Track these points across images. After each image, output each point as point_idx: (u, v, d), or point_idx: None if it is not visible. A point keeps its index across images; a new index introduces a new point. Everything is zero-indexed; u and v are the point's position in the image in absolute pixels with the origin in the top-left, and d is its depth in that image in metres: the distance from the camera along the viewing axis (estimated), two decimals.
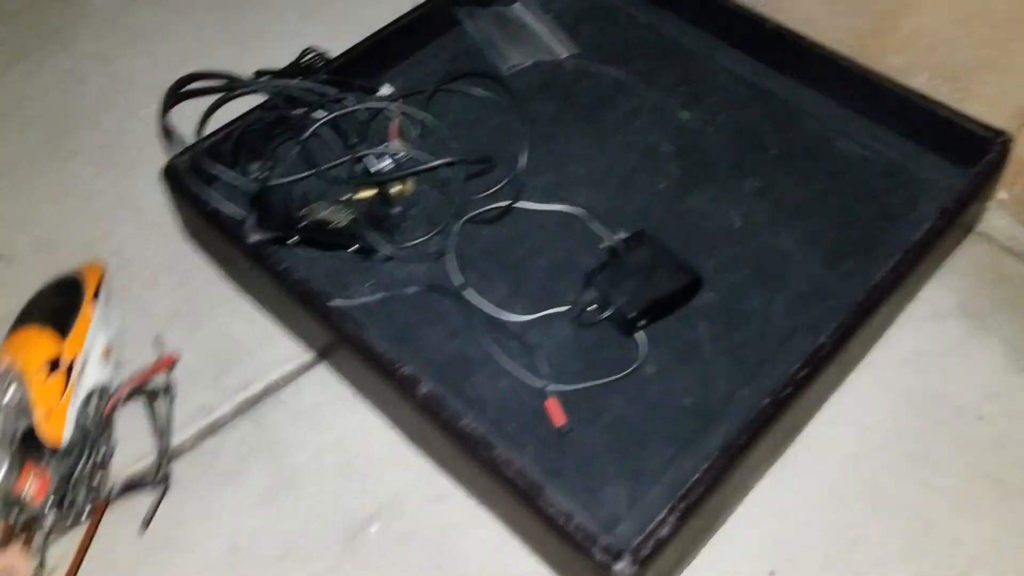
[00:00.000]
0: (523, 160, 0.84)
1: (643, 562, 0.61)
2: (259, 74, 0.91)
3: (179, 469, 0.76)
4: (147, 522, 0.65)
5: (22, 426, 0.62)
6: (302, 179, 0.83)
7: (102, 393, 0.69)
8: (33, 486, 0.60)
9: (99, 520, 0.64)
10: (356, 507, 0.77)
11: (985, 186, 0.83)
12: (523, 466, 0.67)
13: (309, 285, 0.77)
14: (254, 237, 0.78)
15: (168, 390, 0.74)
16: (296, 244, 0.79)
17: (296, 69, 0.93)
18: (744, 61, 0.96)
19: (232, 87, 0.90)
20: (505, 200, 0.84)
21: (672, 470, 0.69)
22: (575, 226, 0.84)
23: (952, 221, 0.79)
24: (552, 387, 0.73)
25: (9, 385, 0.62)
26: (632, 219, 0.83)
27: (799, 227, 0.83)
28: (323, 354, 0.83)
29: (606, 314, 0.75)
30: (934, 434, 0.79)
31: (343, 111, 0.85)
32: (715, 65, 0.96)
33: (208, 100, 0.90)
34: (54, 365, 0.66)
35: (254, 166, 0.82)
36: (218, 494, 0.77)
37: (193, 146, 0.85)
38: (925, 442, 0.78)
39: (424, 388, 0.70)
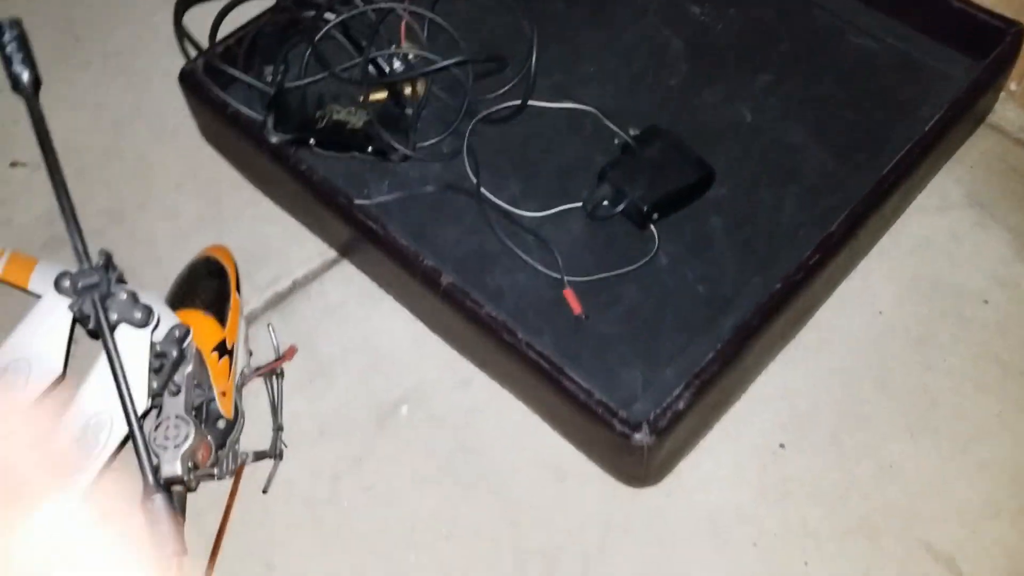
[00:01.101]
0: (533, 58, 0.84)
1: (660, 432, 0.64)
2: None
3: None
4: (267, 486, 0.76)
5: (198, 400, 0.72)
6: (316, 81, 0.84)
7: (243, 375, 0.79)
8: (203, 450, 0.70)
9: (239, 479, 0.76)
10: (385, 392, 0.81)
11: (996, 78, 0.84)
12: (544, 349, 0.70)
13: (330, 185, 0.78)
14: (274, 138, 0.79)
15: (281, 374, 0.81)
16: (315, 145, 0.80)
17: None
18: None
19: None
20: (516, 99, 0.85)
21: (685, 354, 0.71)
22: (587, 124, 0.84)
23: (962, 113, 0.80)
24: (569, 278, 0.75)
25: (190, 359, 0.71)
26: (644, 116, 0.84)
27: (810, 121, 0.84)
28: (345, 252, 0.85)
29: (620, 207, 0.77)
30: (940, 319, 0.81)
31: (352, 12, 0.85)
32: None
33: (219, 4, 0.89)
34: (220, 349, 0.74)
35: (268, 69, 0.83)
36: (257, 383, 0.81)
37: (208, 50, 0.85)
38: (931, 326, 0.81)
39: (446, 279, 0.72)
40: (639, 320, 0.74)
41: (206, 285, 0.78)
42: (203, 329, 0.74)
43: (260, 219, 0.91)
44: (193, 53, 0.89)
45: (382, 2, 0.87)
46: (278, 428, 0.78)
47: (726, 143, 0.83)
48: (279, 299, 0.87)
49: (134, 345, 0.66)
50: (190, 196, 0.93)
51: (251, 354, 0.82)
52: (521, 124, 0.85)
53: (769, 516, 0.73)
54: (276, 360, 0.81)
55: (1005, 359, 0.79)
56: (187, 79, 0.85)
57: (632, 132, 0.81)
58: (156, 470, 0.65)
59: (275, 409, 0.79)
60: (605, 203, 0.78)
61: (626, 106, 0.85)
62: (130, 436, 0.64)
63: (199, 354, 0.73)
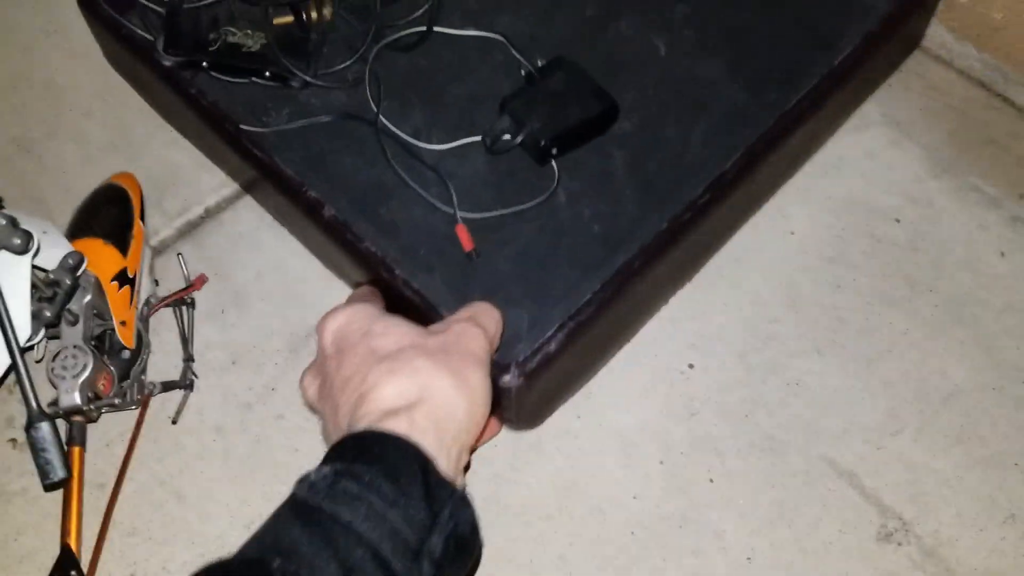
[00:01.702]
0: None
1: (529, 375, 0.64)
2: None
3: None
4: (177, 417, 0.76)
5: (97, 329, 0.71)
6: (215, 3, 0.81)
7: (147, 303, 0.78)
8: (104, 380, 0.70)
9: (146, 410, 0.76)
10: (300, 320, 0.81)
11: (917, 10, 0.80)
12: (428, 287, 0.69)
13: (221, 110, 0.76)
14: (165, 61, 0.77)
15: (192, 303, 0.80)
16: (208, 69, 0.78)
17: None
18: None
19: None
20: (424, 26, 0.82)
21: (572, 294, 0.70)
22: (496, 53, 0.82)
23: (878, 47, 0.77)
24: (464, 215, 0.74)
25: (88, 288, 0.70)
26: (556, 46, 0.81)
27: (725, 54, 0.81)
28: (239, 182, 0.83)
29: (518, 140, 0.75)
30: (852, 238, 0.81)
31: None
32: None
33: None
34: (121, 278, 0.74)
35: None
36: (166, 313, 0.81)
37: None
38: (842, 245, 0.81)
39: (328, 211, 0.70)
40: (532, 259, 0.72)
41: (107, 213, 0.78)
42: (102, 258, 0.74)
43: (171, 146, 0.90)
44: None
45: None
46: (188, 359, 0.78)
47: (637, 76, 0.80)
48: (191, 228, 0.86)
49: (13, 272, 0.66)
50: (100, 123, 0.91)
51: (157, 283, 0.81)
52: (428, 52, 0.82)
53: (676, 433, 0.74)
54: (183, 289, 0.80)
55: (915, 277, 0.79)
56: (86, 3, 0.82)
57: (539, 63, 0.79)
58: (53, 401, 0.67)
59: (185, 339, 0.79)
60: (505, 137, 0.76)
61: (538, 35, 0.83)
62: (12, 365, 0.64)
63: (98, 283, 0.72)
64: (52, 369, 0.68)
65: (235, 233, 0.85)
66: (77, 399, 0.67)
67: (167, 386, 0.76)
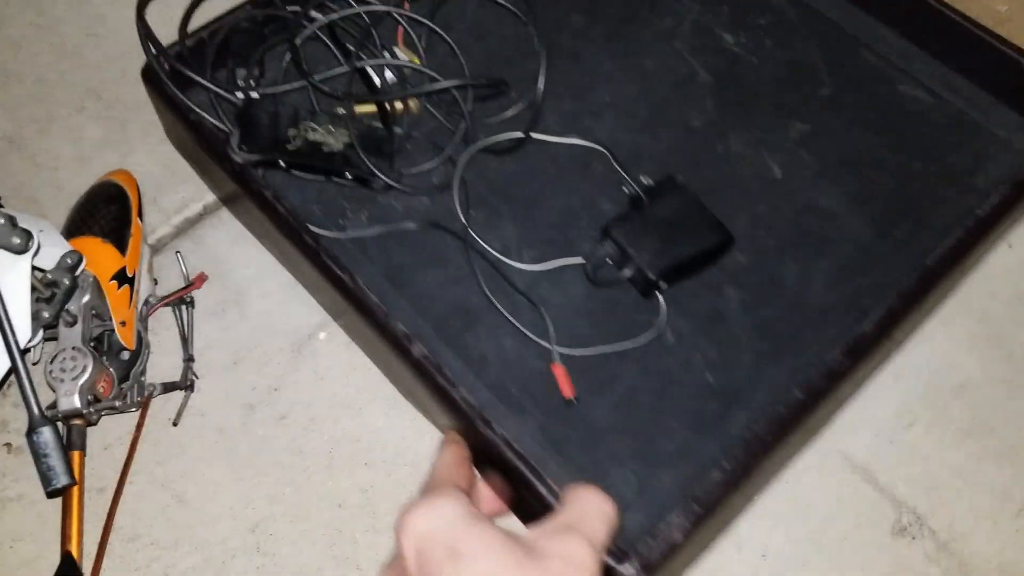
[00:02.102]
0: (540, 86, 0.74)
1: (651, 568, 0.56)
2: None
3: None
4: (177, 418, 0.74)
5: (97, 330, 0.70)
6: (294, 90, 0.74)
7: (146, 303, 0.75)
8: (104, 383, 0.68)
9: (146, 412, 0.73)
10: (303, 318, 0.78)
11: None
12: (523, 440, 0.61)
13: (294, 212, 0.68)
14: (239, 157, 0.69)
15: (192, 303, 0.78)
16: (287, 168, 0.70)
17: None
18: None
19: None
20: (518, 126, 0.75)
21: (687, 456, 0.62)
22: (596, 164, 0.74)
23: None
24: (561, 350, 0.66)
25: (86, 288, 0.68)
26: (660, 160, 0.75)
27: (847, 183, 0.74)
28: (307, 286, 0.76)
29: (625, 273, 0.67)
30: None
31: (343, 13, 0.75)
32: None
33: None
34: (120, 278, 0.72)
35: (241, 73, 0.72)
36: (166, 312, 0.78)
37: (174, 45, 0.74)
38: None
39: (418, 350, 0.62)
40: (637, 408, 0.65)
41: (105, 211, 0.74)
42: (101, 257, 0.71)
43: (167, 142, 0.85)
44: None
45: (376, 4, 0.76)
46: (188, 359, 0.75)
47: (750, 201, 0.73)
48: (189, 225, 0.83)
49: (13, 272, 0.63)
50: (94, 119, 0.88)
51: (156, 282, 0.78)
52: (521, 158, 0.75)
53: None
54: (183, 288, 0.77)
55: None
56: (149, 77, 0.74)
57: (645, 181, 0.72)
58: (51, 405, 0.65)
59: (185, 339, 0.76)
60: (608, 262, 0.69)
61: (641, 146, 0.75)
62: (12, 368, 0.61)
63: (96, 283, 0.69)
64: (50, 372, 0.66)
65: (235, 230, 0.82)
66: (77, 402, 0.65)
67: (167, 387, 0.74)
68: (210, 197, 0.83)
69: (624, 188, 0.72)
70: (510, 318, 0.67)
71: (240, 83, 0.72)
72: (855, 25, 0.82)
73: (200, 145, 0.71)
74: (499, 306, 0.67)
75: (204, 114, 0.71)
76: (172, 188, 0.84)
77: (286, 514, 0.70)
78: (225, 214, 0.83)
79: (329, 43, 0.75)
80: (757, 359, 0.66)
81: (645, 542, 0.56)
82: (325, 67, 0.76)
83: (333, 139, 0.70)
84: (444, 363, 0.63)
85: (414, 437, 0.73)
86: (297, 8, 0.75)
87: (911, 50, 0.80)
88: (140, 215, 0.76)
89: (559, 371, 0.65)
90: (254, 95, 0.71)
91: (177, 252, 0.79)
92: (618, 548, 0.56)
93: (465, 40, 0.78)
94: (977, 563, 0.67)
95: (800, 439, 0.65)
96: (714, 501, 0.58)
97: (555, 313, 0.68)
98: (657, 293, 0.68)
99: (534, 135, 0.74)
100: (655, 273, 0.67)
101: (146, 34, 0.72)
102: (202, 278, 0.78)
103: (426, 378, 0.62)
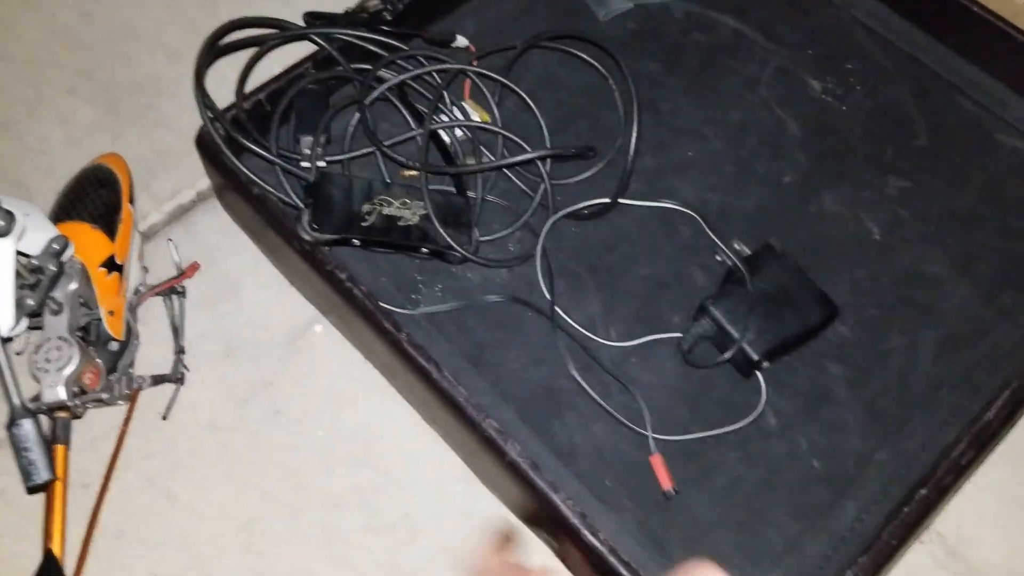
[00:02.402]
0: (632, 150, 0.69)
1: None
2: (311, 18, 0.74)
3: None
4: (167, 412, 0.71)
5: (83, 319, 0.66)
6: (361, 156, 0.70)
7: (136, 292, 0.73)
8: (91, 374, 0.65)
9: (134, 405, 0.71)
10: (297, 310, 0.75)
11: None
12: (621, 541, 0.58)
13: (373, 300, 0.64)
14: (310, 236, 0.65)
15: (183, 292, 0.75)
16: (360, 245, 0.66)
17: (355, 14, 0.76)
18: (889, 18, 0.80)
19: (279, 37, 0.73)
20: (600, 189, 0.71)
21: (797, 552, 0.59)
22: (684, 228, 0.70)
23: None
24: (657, 436, 0.62)
25: (74, 275, 0.65)
26: (751, 221, 0.71)
27: (949, 244, 0.70)
28: (390, 375, 0.72)
29: (727, 356, 0.63)
30: None
31: (415, 72, 0.70)
32: (853, 20, 0.80)
33: (248, 54, 0.73)
34: (109, 265, 0.68)
35: (306, 140, 0.68)
36: (156, 302, 0.75)
37: (230, 108, 0.70)
38: None
39: (513, 449, 0.59)
40: (740, 498, 0.61)
41: (94, 196, 0.72)
42: (89, 243, 0.68)
43: (160, 125, 0.83)
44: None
45: (447, 59, 0.71)
46: (179, 351, 0.73)
47: (849, 266, 0.69)
48: (182, 212, 0.80)
49: None
50: (84, 101, 0.85)
51: (147, 270, 0.75)
52: (604, 223, 0.71)
53: None
54: (175, 277, 0.75)
55: None
56: (204, 143, 0.70)
57: (738, 247, 0.68)
58: (35, 396, 0.62)
59: (176, 330, 0.74)
60: (705, 341, 0.65)
61: (730, 207, 0.71)
62: None
63: (84, 270, 0.66)
64: (35, 362, 0.62)
65: (229, 218, 0.79)
66: (62, 394, 0.62)
67: (157, 380, 0.72)
68: (203, 183, 0.80)
69: (718, 257, 0.68)
70: (602, 403, 0.63)
71: (307, 151, 0.68)
72: (950, 69, 0.77)
73: (266, 222, 0.67)
74: (589, 389, 0.64)
75: (268, 187, 0.67)
76: (164, 173, 0.81)
77: (279, 512, 0.68)
78: (216, 203, 0.80)
79: (399, 105, 0.71)
80: (864, 441, 0.62)
81: None
82: (390, 128, 0.72)
83: (409, 212, 0.66)
84: (539, 460, 0.59)
85: (412, 433, 0.70)
86: (365, 67, 0.70)
87: (1010, 96, 0.76)
88: (131, 200, 0.73)
89: (657, 462, 0.61)
90: (321, 164, 0.67)
91: (169, 240, 0.76)
92: None
93: (538, 93, 0.73)
94: (986, 569, 0.65)
95: (918, 529, 0.61)
96: None
97: (646, 394, 0.64)
98: (757, 372, 0.64)
99: (622, 200, 0.70)
100: (759, 354, 0.63)
101: (203, 100, 0.67)
102: (195, 267, 0.75)
103: (522, 480, 0.58)
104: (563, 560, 0.65)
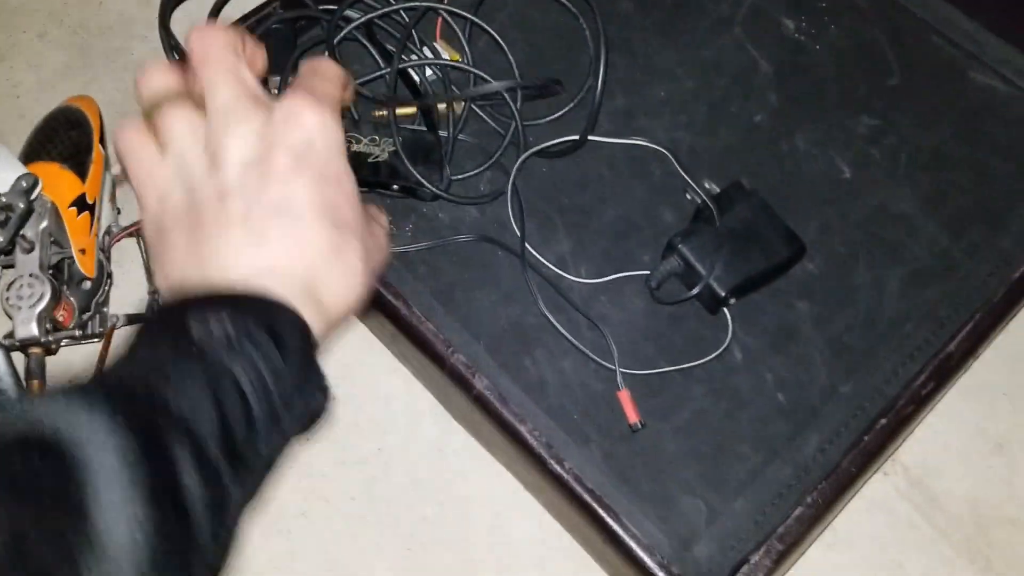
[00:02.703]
0: (599, 86, 0.69)
1: None
2: None
3: None
4: None
5: (55, 257, 0.67)
6: None
7: (108, 232, 0.73)
8: (64, 311, 0.66)
9: (109, 343, 0.70)
10: None
11: None
12: (588, 472, 0.59)
13: None
14: None
15: None
16: None
17: None
18: None
19: None
20: (571, 127, 0.71)
21: (760, 481, 0.60)
22: (655, 167, 0.70)
23: None
24: (624, 371, 0.63)
25: (44, 214, 0.66)
26: (722, 161, 0.71)
27: (919, 182, 0.70)
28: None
29: (693, 292, 0.64)
30: None
31: (382, 10, 0.70)
32: None
33: None
34: (80, 204, 0.69)
35: (273, 80, 0.68)
36: (131, 244, 0.75)
37: None
38: None
39: (480, 383, 0.60)
40: (705, 431, 0.62)
41: (64, 136, 0.72)
42: (59, 182, 0.69)
43: (133, 69, 0.83)
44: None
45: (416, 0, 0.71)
46: (153, 291, 0.73)
47: (818, 205, 0.69)
48: None
49: None
50: (56, 46, 0.85)
51: (119, 212, 0.75)
52: (575, 162, 0.71)
53: None
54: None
55: None
56: None
57: (708, 186, 0.68)
58: (8, 333, 0.63)
59: (150, 271, 0.74)
60: (673, 278, 0.65)
61: (701, 147, 0.71)
62: None
63: (55, 209, 0.67)
64: (7, 299, 0.64)
65: None
66: (34, 330, 0.63)
67: (132, 319, 0.72)
68: None
69: (688, 195, 0.68)
70: (571, 339, 0.64)
71: (274, 92, 0.68)
72: (922, 6, 0.77)
73: None
74: (558, 325, 0.64)
75: None
76: (137, 117, 0.79)
77: None
78: None
79: (367, 44, 0.70)
80: (830, 375, 0.63)
81: None
82: (359, 68, 0.72)
83: (378, 148, 0.67)
84: (507, 394, 0.60)
85: (384, 371, 0.71)
86: (331, 7, 0.70)
87: (985, 35, 0.75)
88: (102, 142, 0.74)
89: (624, 397, 0.62)
90: None
91: None
92: None
93: (509, 33, 0.73)
94: (947, 500, 0.66)
95: (879, 462, 0.62)
96: (797, 539, 0.55)
97: (615, 331, 0.64)
98: (724, 308, 0.65)
99: (592, 137, 0.70)
100: (725, 290, 0.64)
101: (171, 45, 0.67)
102: None
103: (490, 413, 0.59)
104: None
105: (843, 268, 0.67)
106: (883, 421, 0.57)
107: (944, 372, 0.59)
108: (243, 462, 0.36)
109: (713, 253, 0.64)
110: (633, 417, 0.62)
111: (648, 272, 0.66)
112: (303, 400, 0.40)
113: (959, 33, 0.76)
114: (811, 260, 0.67)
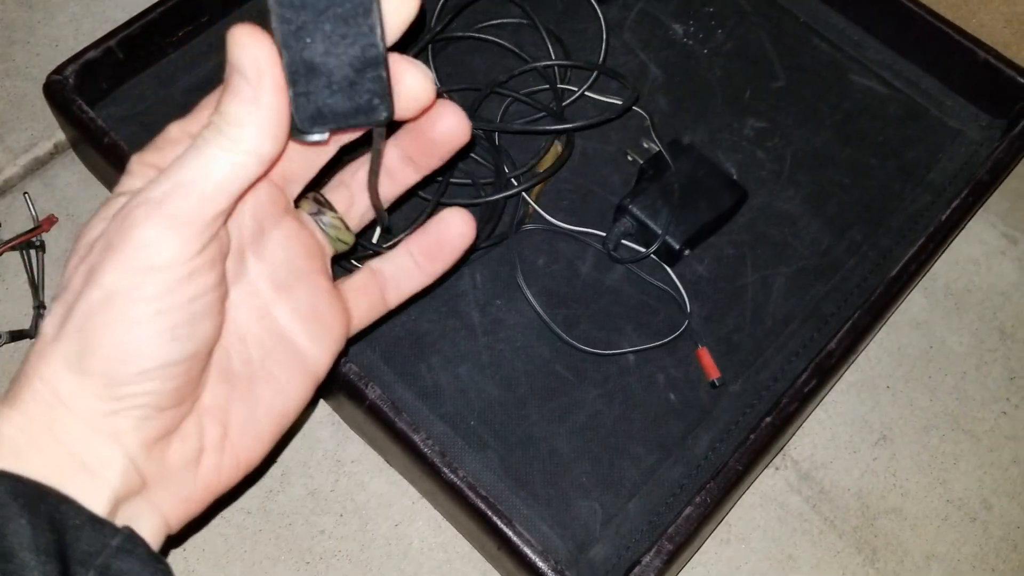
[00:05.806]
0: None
1: None
2: None
3: None
4: None
5: None
6: None
7: None
8: None
9: None
10: None
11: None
12: (482, 477, 0.59)
13: None
14: None
15: (42, 246, 0.73)
16: None
17: None
18: None
19: None
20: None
21: (653, 482, 0.61)
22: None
23: (984, 191, 0.69)
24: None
25: None
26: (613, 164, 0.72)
27: (803, 183, 0.72)
28: None
29: (652, 249, 0.66)
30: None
31: None
32: None
33: None
34: None
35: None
36: (14, 258, 0.73)
37: (83, 52, 0.68)
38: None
39: (373, 392, 0.59)
40: (599, 433, 0.63)
41: None
42: None
43: (13, 75, 0.80)
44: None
45: None
46: (39, 306, 0.71)
47: None
48: (39, 165, 0.78)
49: None
50: None
51: (0, 225, 0.74)
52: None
53: None
54: (30, 231, 0.73)
55: None
56: (52, 90, 0.67)
57: (647, 145, 0.71)
58: None
59: (35, 285, 0.72)
60: (627, 238, 0.68)
61: (592, 149, 0.72)
62: None
63: None
64: None
65: (88, 171, 0.77)
66: None
67: (15, 336, 0.70)
68: (61, 135, 0.77)
69: (629, 157, 0.70)
70: (469, 344, 0.64)
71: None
72: (805, 11, 0.79)
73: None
74: (455, 332, 0.64)
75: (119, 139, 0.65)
76: (20, 124, 0.78)
77: None
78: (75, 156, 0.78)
79: None
80: (721, 376, 0.64)
81: None
82: None
83: None
84: (400, 403, 0.60)
85: (312, 420, 0.69)
86: None
87: (865, 39, 0.78)
88: None
89: (704, 354, 0.62)
90: None
91: (25, 193, 0.74)
92: None
93: None
94: (836, 491, 0.68)
95: (769, 459, 0.64)
96: (687, 538, 0.56)
97: (510, 335, 0.65)
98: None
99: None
100: (680, 242, 0.66)
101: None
102: (51, 220, 0.74)
103: (383, 422, 0.59)
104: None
105: (731, 269, 0.68)
106: (768, 419, 0.59)
107: (826, 369, 0.61)
108: None
109: (663, 210, 0.65)
110: (714, 372, 0.64)
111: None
112: None
113: (841, 36, 0.78)
114: (699, 262, 0.68)
